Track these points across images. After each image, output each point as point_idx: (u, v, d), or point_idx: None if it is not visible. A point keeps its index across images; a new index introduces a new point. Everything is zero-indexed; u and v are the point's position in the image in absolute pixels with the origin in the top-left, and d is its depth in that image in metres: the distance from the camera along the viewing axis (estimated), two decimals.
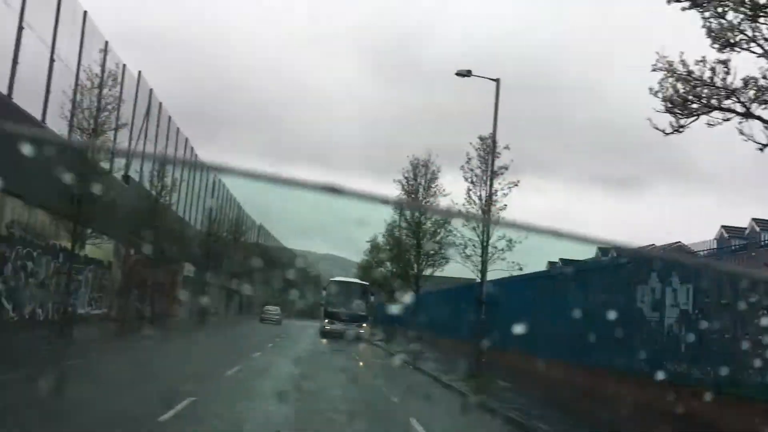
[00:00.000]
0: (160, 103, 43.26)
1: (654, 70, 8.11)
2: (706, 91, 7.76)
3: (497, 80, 30.48)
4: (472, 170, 20.72)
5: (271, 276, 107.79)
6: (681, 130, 8.10)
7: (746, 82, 7.64)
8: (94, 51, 27.93)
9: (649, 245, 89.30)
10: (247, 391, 13.97)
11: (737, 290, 14.13)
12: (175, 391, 11.94)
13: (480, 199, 20.28)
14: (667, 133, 8.18)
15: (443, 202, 34.51)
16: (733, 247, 19.22)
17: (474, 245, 20.56)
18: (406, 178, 33.61)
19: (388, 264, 41.75)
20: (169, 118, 46.58)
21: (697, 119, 7.96)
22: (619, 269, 20.91)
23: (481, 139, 20.68)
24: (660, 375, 13.55)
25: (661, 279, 18.31)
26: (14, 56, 23.47)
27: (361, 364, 25.04)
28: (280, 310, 77.23)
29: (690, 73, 7.83)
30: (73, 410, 9.90)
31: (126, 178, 35.05)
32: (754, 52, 7.55)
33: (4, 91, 22.42)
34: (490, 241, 20.25)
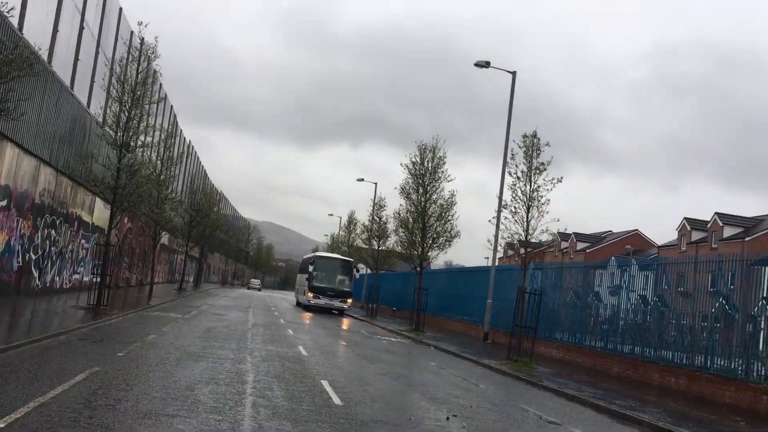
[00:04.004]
0: (154, 71, 42.46)
1: None
2: None
3: (513, 72, 31.45)
4: (517, 166, 21.55)
5: (236, 245, 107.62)
6: None
7: None
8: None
9: (606, 232, 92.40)
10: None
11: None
12: None
13: (525, 194, 21.19)
14: None
15: (448, 187, 35.37)
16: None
17: (520, 237, 21.54)
18: (413, 162, 34.27)
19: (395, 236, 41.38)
20: (160, 85, 45.81)
21: None
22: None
23: (525, 136, 21.55)
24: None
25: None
26: (54, 24, 23.09)
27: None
28: (260, 281, 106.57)
29: None
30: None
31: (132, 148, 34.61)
32: None
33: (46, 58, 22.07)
34: (535, 234, 21.30)
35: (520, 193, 21.16)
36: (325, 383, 12.33)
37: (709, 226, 58.06)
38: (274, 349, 17.68)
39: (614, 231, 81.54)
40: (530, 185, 21.10)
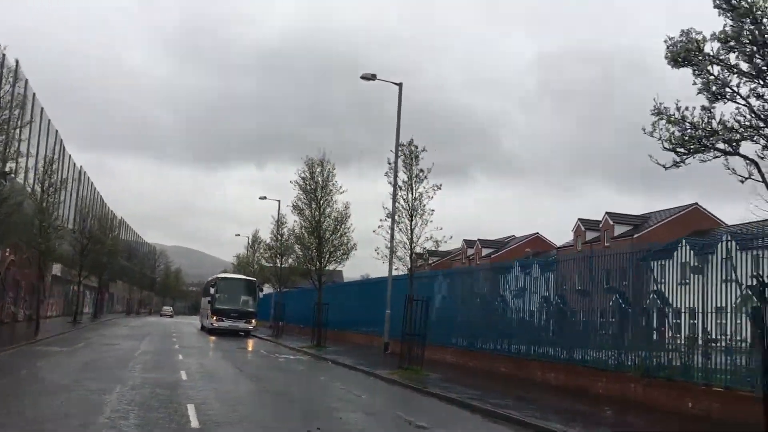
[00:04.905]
0: (34, 94, 40.71)
1: (652, 114, 9.62)
2: (698, 133, 9.38)
3: (400, 84, 31.84)
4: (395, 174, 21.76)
5: (140, 271, 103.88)
6: (680, 165, 9.71)
7: (726, 126, 9.34)
8: None
9: (509, 237, 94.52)
10: None
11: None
12: None
13: (407, 202, 21.41)
14: (668, 167, 9.75)
15: (341, 199, 35.40)
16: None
17: (404, 246, 21.73)
18: (303, 178, 34.13)
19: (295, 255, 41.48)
20: (42, 109, 43.92)
21: (692, 156, 9.59)
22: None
23: (403, 145, 21.80)
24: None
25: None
26: None
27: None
28: (172, 308, 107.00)
29: (683, 118, 9.42)
30: None
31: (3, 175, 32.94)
32: (738, 103, 9.26)
33: None
34: (419, 242, 21.53)
35: (402, 202, 21.36)
36: (190, 407, 11.94)
37: (601, 225, 60.57)
38: (152, 376, 17.05)
39: (517, 235, 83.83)
40: (412, 193, 21.32)
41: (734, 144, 9.29)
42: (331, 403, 14.08)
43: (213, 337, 40.15)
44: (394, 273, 29.15)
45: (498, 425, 12.46)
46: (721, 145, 9.36)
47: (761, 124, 9.00)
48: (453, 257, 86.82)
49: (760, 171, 9.15)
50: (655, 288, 16.58)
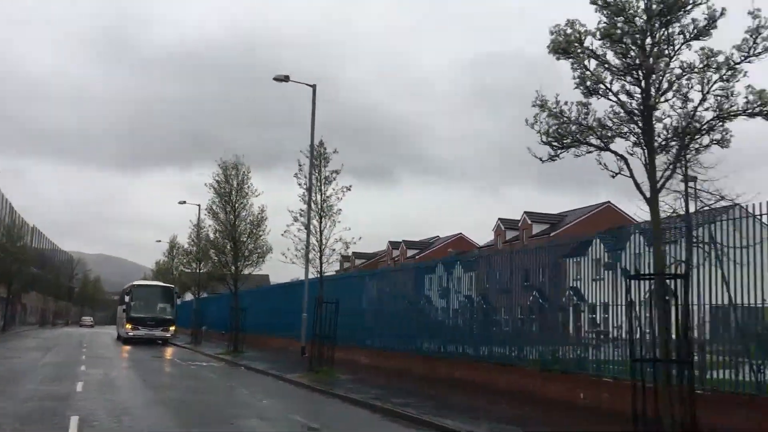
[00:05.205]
0: None
1: (533, 106, 9.71)
2: (573, 127, 9.54)
3: (313, 86, 31.65)
4: (306, 177, 21.59)
5: (56, 281, 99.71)
6: (555, 159, 9.84)
7: (600, 122, 9.54)
8: None
9: (433, 238, 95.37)
10: None
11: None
12: None
13: (316, 204, 21.22)
14: (544, 161, 9.87)
15: (257, 202, 35.00)
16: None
17: (314, 248, 21.50)
18: (217, 181, 33.53)
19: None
20: None
21: (567, 150, 9.74)
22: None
23: (312, 146, 21.63)
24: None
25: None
26: None
27: None
28: (92, 318, 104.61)
29: (561, 112, 9.56)
30: None
31: None
32: (610, 99, 9.46)
33: None
34: (328, 243, 21.33)
35: (312, 204, 21.14)
36: (74, 420, 11.39)
37: (520, 224, 61.84)
38: (46, 388, 16.29)
39: (441, 236, 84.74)
40: (321, 195, 21.15)
41: (606, 140, 9.50)
42: (230, 409, 13.75)
43: (128, 347, 38.87)
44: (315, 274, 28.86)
45: (394, 423, 12.45)
46: (596, 141, 9.55)
47: (631, 122, 9.22)
48: (379, 259, 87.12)
49: (628, 167, 9.39)
50: (571, 285, 16.90)
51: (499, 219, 65.48)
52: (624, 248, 14.36)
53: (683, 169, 22.37)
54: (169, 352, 35.63)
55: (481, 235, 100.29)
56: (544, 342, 16.25)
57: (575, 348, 14.79)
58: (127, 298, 43.58)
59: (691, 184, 17.98)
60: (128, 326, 42.60)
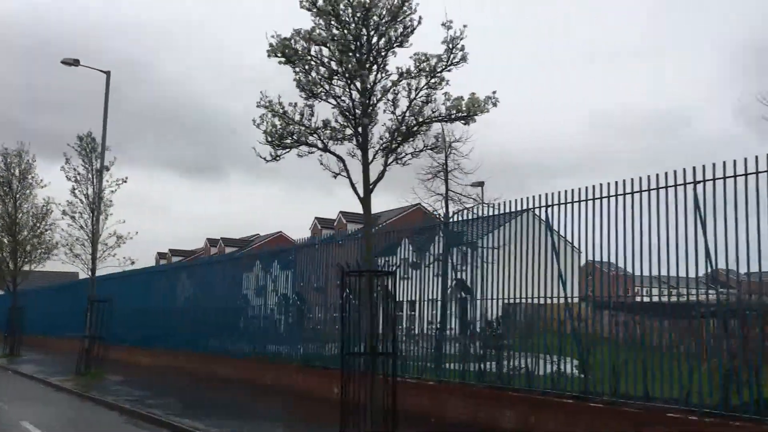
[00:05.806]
0: None
1: (258, 106, 9.80)
2: (296, 128, 9.74)
3: (108, 72, 29.97)
4: (75, 169, 20.50)
5: None
6: (278, 159, 9.98)
7: (325, 124, 9.84)
8: None
9: (253, 236, 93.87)
10: None
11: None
12: None
13: (87, 197, 20.20)
14: (268, 161, 9.98)
15: (41, 194, 32.76)
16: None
17: (83, 243, 20.44)
18: None
19: None
20: None
21: (290, 151, 9.92)
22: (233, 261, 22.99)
23: (80, 138, 20.57)
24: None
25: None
26: None
27: None
28: None
29: (285, 113, 9.72)
30: None
31: None
32: (330, 102, 9.76)
33: None
34: (101, 239, 20.36)
35: (82, 197, 20.09)
36: None
37: (335, 224, 62.68)
38: None
39: (261, 234, 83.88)
40: (92, 187, 20.13)
41: (327, 141, 9.84)
42: None
43: None
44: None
45: (133, 426, 12.13)
46: (320, 143, 9.85)
47: (349, 126, 9.61)
48: (197, 256, 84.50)
49: (346, 168, 9.79)
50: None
51: (316, 218, 65.96)
52: (428, 249, 14.80)
53: (444, 173, 23.86)
54: None
55: (300, 233, 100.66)
56: (300, 340, 16.66)
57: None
58: None
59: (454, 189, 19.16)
60: None
